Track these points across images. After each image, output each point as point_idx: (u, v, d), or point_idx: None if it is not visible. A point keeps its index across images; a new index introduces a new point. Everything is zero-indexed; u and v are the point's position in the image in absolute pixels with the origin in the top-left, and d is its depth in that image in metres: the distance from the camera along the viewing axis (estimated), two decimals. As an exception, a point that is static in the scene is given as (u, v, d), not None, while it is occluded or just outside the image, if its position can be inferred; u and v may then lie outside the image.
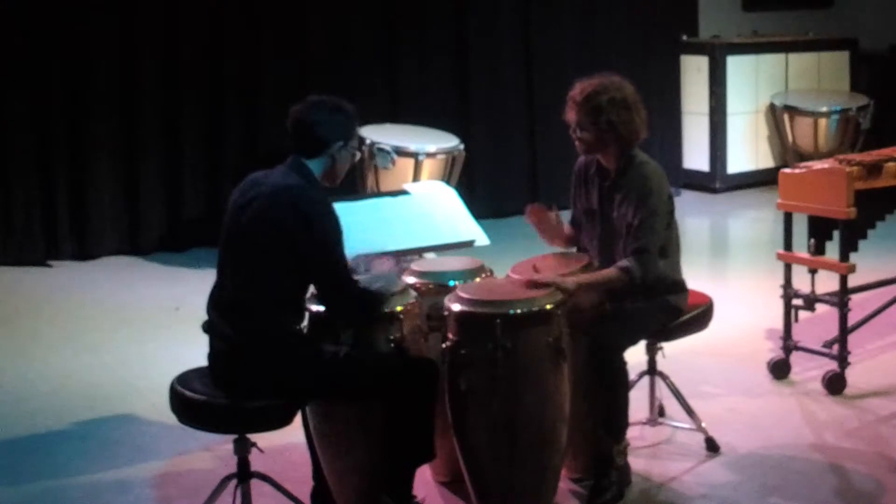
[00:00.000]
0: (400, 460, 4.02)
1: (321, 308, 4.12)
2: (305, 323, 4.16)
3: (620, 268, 4.34)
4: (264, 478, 4.08)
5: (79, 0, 8.24)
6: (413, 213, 4.68)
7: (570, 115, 4.49)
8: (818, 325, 5.84)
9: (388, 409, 3.98)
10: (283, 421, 3.93)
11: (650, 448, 4.82)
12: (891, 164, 5.38)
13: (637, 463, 4.59)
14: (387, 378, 3.98)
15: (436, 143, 8.06)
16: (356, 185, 7.99)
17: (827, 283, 5.54)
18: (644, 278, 4.34)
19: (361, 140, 7.85)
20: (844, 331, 5.44)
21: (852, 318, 5.57)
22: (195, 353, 4.13)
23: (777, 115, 10.32)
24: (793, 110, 10.18)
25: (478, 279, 4.46)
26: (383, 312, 4.06)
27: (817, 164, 5.50)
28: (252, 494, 4.03)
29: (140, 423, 5.30)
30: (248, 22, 8.71)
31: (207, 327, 4.00)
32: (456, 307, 4.11)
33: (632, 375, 4.57)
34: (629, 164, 4.47)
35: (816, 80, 10.70)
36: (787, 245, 5.56)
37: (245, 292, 3.90)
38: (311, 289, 4.15)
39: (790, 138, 10.25)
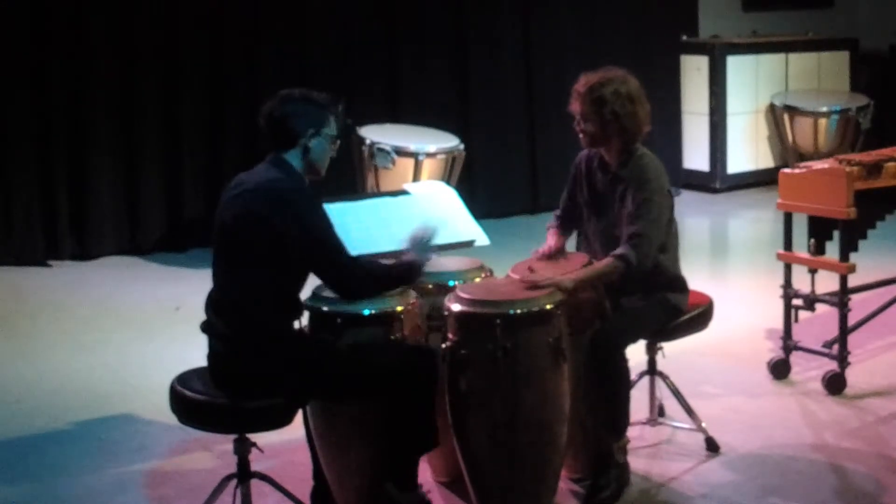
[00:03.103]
0: (403, 449, 4.03)
1: (321, 307, 4.12)
2: (305, 322, 4.17)
3: (616, 255, 4.33)
4: (264, 478, 4.08)
5: (79, 0, 8.25)
6: (413, 213, 4.67)
7: (575, 107, 4.50)
8: (818, 325, 5.84)
9: (389, 398, 3.98)
10: (283, 421, 3.93)
11: (650, 448, 4.82)
12: (891, 164, 5.38)
13: (637, 463, 4.59)
14: (387, 368, 3.98)
15: (436, 143, 8.06)
16: (356, 185, 7.99)
17: (827, 283, 5.54)
18: (641, 264, 4.31)
19: (361, 139, 7.86)
20: (844, 331, 5.44)
21: (852, 318, 5.57)
22: (195, 353, 4.13)
23: (777, 115, 10.32)
24: (793, 110, 10.18)
25: (478, 279, 4.46)
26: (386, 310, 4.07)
27: (817, 164, 5.50)
28: (252, 494, 4.03)
29: (140, 423, 5.30)
30: (248, 22, 8.72)
31: (206, 327, 4.00)
32: (456, 307, 4.11)
33: (632, 375, 4.57)
34: (630, 158, 4.49)
35: (816, 80, 10.70)
36: (787, 245, 5.56)
37: (239, 291, 3.89)
38: (310, 288, 4.16)
39: (790, 138, 10.25)
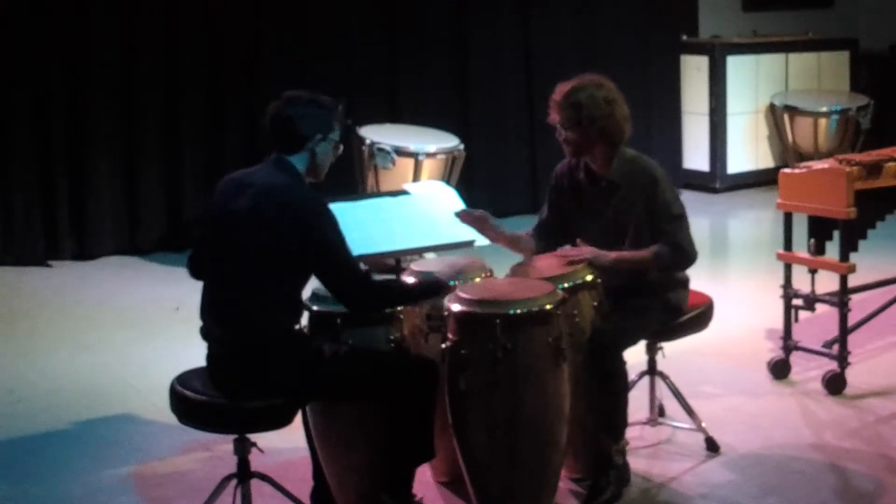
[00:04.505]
0: (400, 460, 4.02)
1: (321, 308, 4.12)
2: (305, 323, 4.16)
3: (654, 253, 4.41)
4: (264, 478, 4.08)
5: (79, 0, 8.25)
6: (413, 213, 4.67)
7: (554, 117, 4.52)
8: (818, 325, 5.84)
9: (388, 408, 3.98)
10: (283, 421, 3.93)
11: (650, 448, 4.82)
12: (891, 164, 5.38)
13: (637, 463, 4.59)
14: (387, 378, 3.98)
15: (436, 143, 8.06)
16: (356, 185, 7.99)
17: (827, 283, 5.54)
18: (675, 266, 4.47)
19: (361, 139, 7.86)
20: (844, 331, 5.44)
21: (852, 318, 5.57)
22: (195, 353, 4.13)
23: (777, 115, 10.32)
24: (793, 110, 10.18)
25: (478, 279, 4.46)
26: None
27: (817, 164, 5.50)
28: (252, 494, 4.03)
29: (140, 423, 5.30)
30: (248, 22, 8.72)
31: (205, 332, 3.99)
32: (456, 307, 4.11)
33: (632, 375, 4.57)
34: (622, 162, 4.50)
35: (816, 80, 10.70)
36: (787, 245, 5.56)
37: (241, 294, 3.88)
38: (310, 289, 4.15)
39: (790, 138, 10.25)
